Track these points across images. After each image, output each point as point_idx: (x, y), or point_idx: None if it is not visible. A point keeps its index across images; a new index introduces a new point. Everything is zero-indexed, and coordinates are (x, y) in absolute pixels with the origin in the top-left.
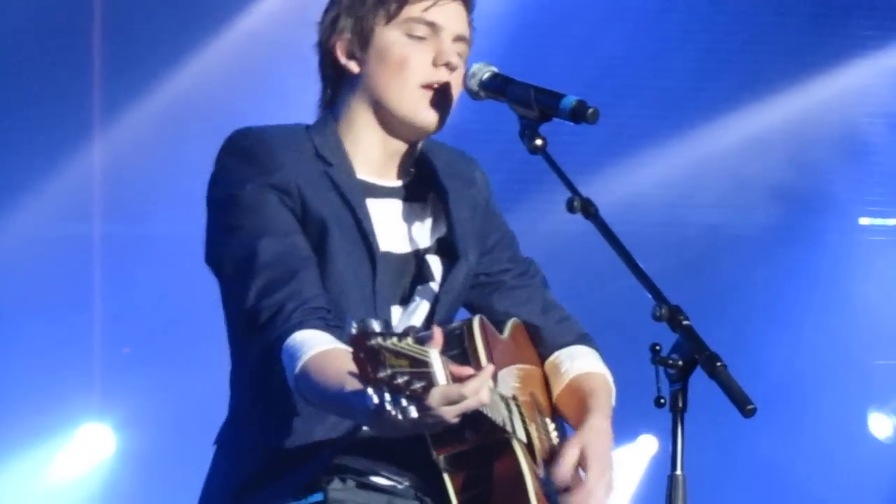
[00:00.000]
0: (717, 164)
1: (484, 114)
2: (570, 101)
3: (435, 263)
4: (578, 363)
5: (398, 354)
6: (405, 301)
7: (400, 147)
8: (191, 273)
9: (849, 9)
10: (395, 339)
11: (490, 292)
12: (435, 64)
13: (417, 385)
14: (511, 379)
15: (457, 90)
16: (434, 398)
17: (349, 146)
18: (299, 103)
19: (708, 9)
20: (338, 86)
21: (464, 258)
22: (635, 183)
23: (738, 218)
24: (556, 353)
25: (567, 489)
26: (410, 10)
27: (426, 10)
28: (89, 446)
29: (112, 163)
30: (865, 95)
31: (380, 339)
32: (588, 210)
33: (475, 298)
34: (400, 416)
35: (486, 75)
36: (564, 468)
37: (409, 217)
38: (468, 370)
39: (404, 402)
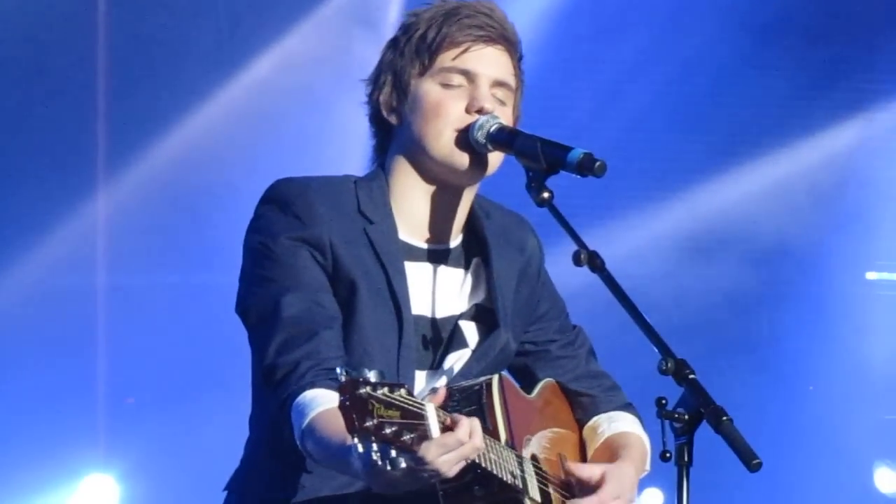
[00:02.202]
0: (724, 217)
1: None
2: (576, 154)
3: (469, 330)
4: (616, 425)
5: (389, 405)
6: (436, 366)
7: (446, 202)
8: (195, 322)
9: (859, 63)
10: (386, 390)
11: (534, 360)
12: (468, 111)
13: (408, 436)
14: (537, 440)
15: None
16: (429, 450)
17: (395, 203)
18: (308, 152)
19: (715, 69)
20: (385, 140)
21: (503, 327)
22: (640, 237)
23: (745, 272)
24: (597, 418)
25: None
26: (443, 60)
27: (457, 57)
28: (93, 497)
29: (115, 214)
30: (875, 149)
31: (369, 389)
32: (594, 263)
33: (519, 366)
34: (389, 468)
35: (494, 127)
36: (580, 474)
37: (448, 281)
38: (459, 419)
39: (393, 454)
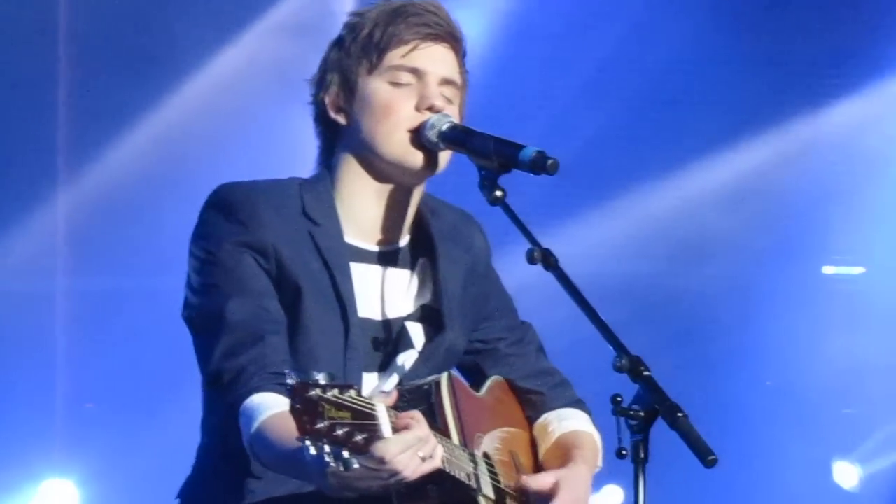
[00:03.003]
0: (681, 215)
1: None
2: (529, 152)
3: (416, 331)
4: (566, 423)
5: (340, 406)
6: (384, 368)
7: (394, 201)
8: (154, 327)
9: (812, 62)
10: (336, 391)
11: (483, 359)
12: (418, 109)
13: (359, 437)
14: (489, 438)
15: None
16: (387, 449)
17: (341, 204)
18: (270, 154)
19: (668, 66)
20: (331, 141)
21: (449, 328)
22: (596, 234)
23: (701, 268)
24: (546, 415)
25: None
26: (391, 58)
27: (406, 55)
28: (52, 502)
29: (75, 218)
30: (828, 145)
31: (319, 391)
32: (548, 261)
33: (468, 365)
34: (342, 469)
35: (446, 126)
36: (534, 485)
37: (395, 283)
38: (408, 420)
39: (346, 455)
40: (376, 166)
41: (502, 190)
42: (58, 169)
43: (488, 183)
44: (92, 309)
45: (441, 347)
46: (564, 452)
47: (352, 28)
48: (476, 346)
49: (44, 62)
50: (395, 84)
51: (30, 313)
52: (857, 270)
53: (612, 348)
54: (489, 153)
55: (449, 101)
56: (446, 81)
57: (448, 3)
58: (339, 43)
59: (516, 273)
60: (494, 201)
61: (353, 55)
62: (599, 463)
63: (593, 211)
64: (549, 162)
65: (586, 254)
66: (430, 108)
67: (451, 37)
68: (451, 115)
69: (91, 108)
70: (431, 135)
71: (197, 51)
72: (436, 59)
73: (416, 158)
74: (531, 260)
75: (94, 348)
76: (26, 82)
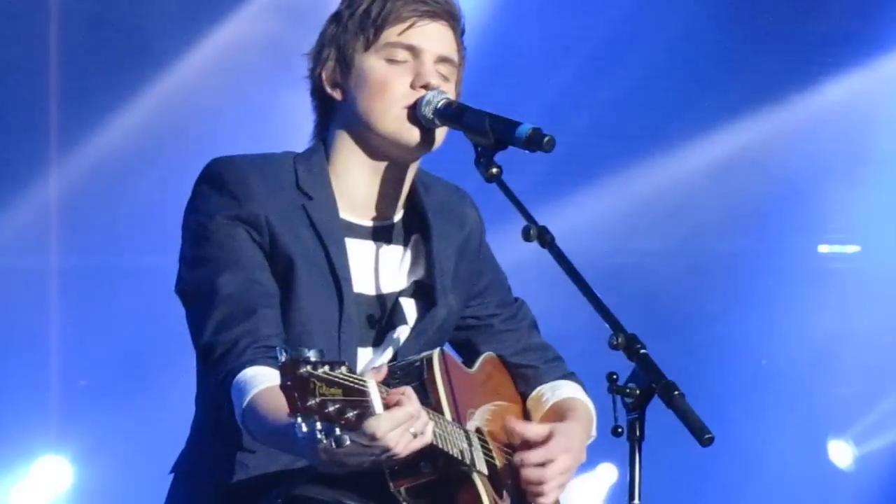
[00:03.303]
0: (676, 191)
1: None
2: (525, 129)
3: (409, 306)
4: (559, 392)
5: (331, 383)
6: (377, 343)
7: (388, 177)
8: (148, 304)
9: (805, 41)
10: (327, 368)
11: (476, 335)
12: (413, 86)
13: (351, 413)
14: (480, 413)
15: None
16: (379, 426)
17: (336, 178)
18: (261, 133)
19: (664, 41)
20: (326, 115)
21: (441, 304)
22: (590, 211)
23: (695, 245)
24: (539, 388)
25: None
26: (388, 35)
27: (403, 33)
28: (46, 479)
29: (68, 194)
30: (823, 123)
31: (309, 368)
32: (544, 238)
33: (461, 341)
34: (334, 446)
35: (441, 102)
36: (526, 433)
37: (388, 258)
38: (399, 396)
39: (338, 432)
40: (371, 142)
41: (498, 167)
42: (50, 146)
43: (484, 160)
44: (85, 286)
45: (433, 323)
46: (558, 416)
47: (350, 3)
48: (469, 322)
49: (35, 41)
50: (391, 61)
51: (23, 291)
52: (853, 249)
53: (607, 326)
54: (485, 130)
55: (445, 78)
56: (443, 59)
57: None
58: (336, 18)
59: (510, 250)
60: (490, 178)
61: (350, 31)
62: (594, 432)
63: (586, 189)
64: (546, 139)
65: (579, 231)
66: (426, 87)
67: (448, 14)
68: (448, 92)
69: (83, 86)
70: (427, 111)
71: (189, 29)
72: (433, 37)
73: (411, 135)
74: (527, 237)
75: (88, 325)
76: (17, 60)
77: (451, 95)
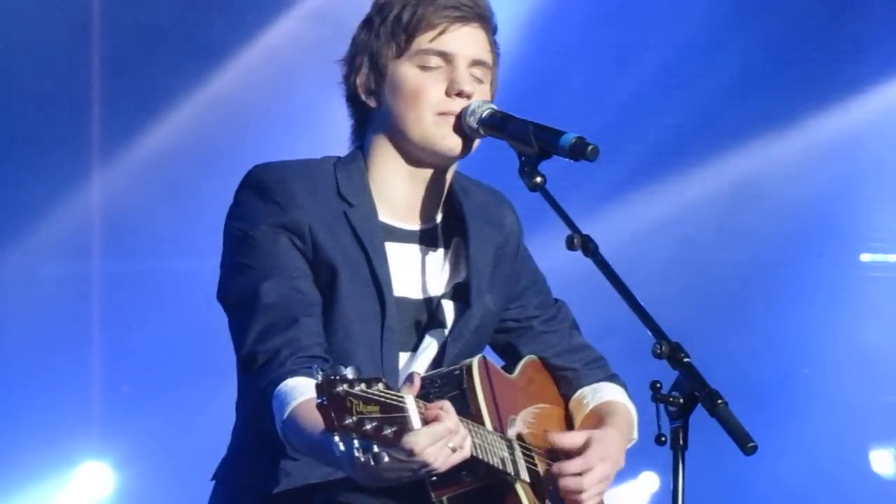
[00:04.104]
0: (718, 200)
1: (483, 150)
2: (569, 138)
3: (449, 309)
4: (600, 394)
5: (367, 401)
6: (416, 348)
7: (426, 182)
8: (190, 310)
9: (845, 48)
10: (363, 386)
11: (517, 337)
12: (448, 94)
13: (388, 430)
14: (522, 418)
15: None
16: (417, 441)
17: (374, 184)
18: (301, 139)
19: (706, 53)
20: (363, 121)
21: (476, 304)
22: (633, 221)
23: (739, 255)
24: (581, 390)
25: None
26: (420, 42)
27: (434, 39)
28: (89, 485)
29: (111, 199)
30: (866, 130)
31: (346, 386)
32: (588, 247)
33: (503, 343)
34: (372, 463)
35: (486, 112)
36: (564, 443)
37: (429, 262)
38: (437, 411)
39: (376, 448)
40: (407, 149)
41: (542, 176)
42: (93, 150)
43: (528, 169)
44: (128, 291)
45: (469, 325)
46: (598, 420)
47: (380, 8)
48: (509, 325)
49: (80, 43)
50: (425, 68)
51: (66, 295)
52: (895, 258)
53: (651, 334)
54: (528, 139)
55: (479, 80)
56: (476, 62)
57: None
58: (367, 24)
59: (552, 258)
60: (534, 187)
61: (382, 38)
62: (635, 435)
63: (632, 196)
64: (589, 148)
65: (622, 239)
66: (460, 94)
67: (480, 17)
68: (480, 94)
69: (127, 90)
70: (472, 121)
71: (234, 33)
72: (465, 42)
73: (446, 142)
74: (571, 246)
75: (131, 331)
76: (62, 64)
77: (485, 95)
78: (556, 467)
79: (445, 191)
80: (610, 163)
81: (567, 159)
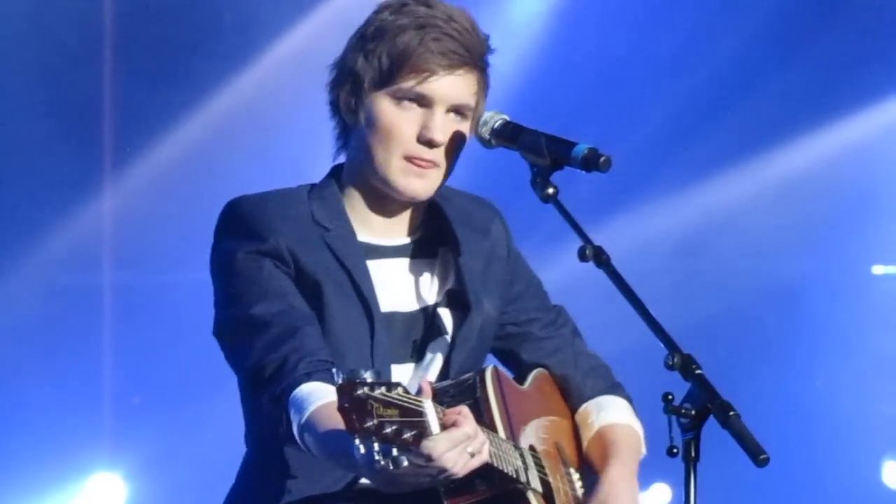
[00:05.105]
0: (729, 212)
1: (494, 161)
2: (581, 149)
3: (447, 316)
4: (605, 414)
5: (388, 404)
6: (419, 358)
7: (402, 203)
8: (202, 322)
9: (861, 57)
10: (384, 389)
11: (518, 343)
12: (419, 139)
13: (408, 434)
14: (533, 430)
15: (449, 160)
16: (436, 446)
17: (351, 208)
18: (310, 154)
19: (720, 59)
20: (344, 134)
21: (476, 308)
22: (647, 231)
23: (749, 267)
24: (586, 405)
25: None
26: (403, 80)
27: (417, 83)
28: (100, 496)
29: (123, 211)
30: (878, 142)
31: (367, 389)
32: (600, 258)
33: (503, 349)
34: (391, 467)
35: (498, 123)
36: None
37: (417, 273)
38: (455, 416)
39: (395, 452)
40: (373, 182)
41: (554, 187)
42: (104, 162)
43: (540, 180)
44: (139, 303)
45: (473, 329)
46: (604, 448)
47: (375, 30)
48: (509, 330)
49: (90, 56)
50: (402, 106)
51: (77, 307)
52: None
53: (663, 346)
54: (541, 150)
55: (459, 120)
56: (456, 108)
57: None
58: (360, 40)
59: (564, 270)
60: (547, 199)
61: (368, 62)
62: (643, 450)
63: (641, 207)
64: (602, 159)
65: (634, 250)
66: (429, 143)
67: (470, 64)
68: (455, 134)
69: (138, 101)
70: (484, 132)
71: (244, 45)
72: (447, 89)
73: (409, 189)
74: (583, 257)
75: (142, 342)
76: (73, 75)
77: (465, 134)
78: None
79: (424, 205)
80: (621, 174)
81: (580, 170)
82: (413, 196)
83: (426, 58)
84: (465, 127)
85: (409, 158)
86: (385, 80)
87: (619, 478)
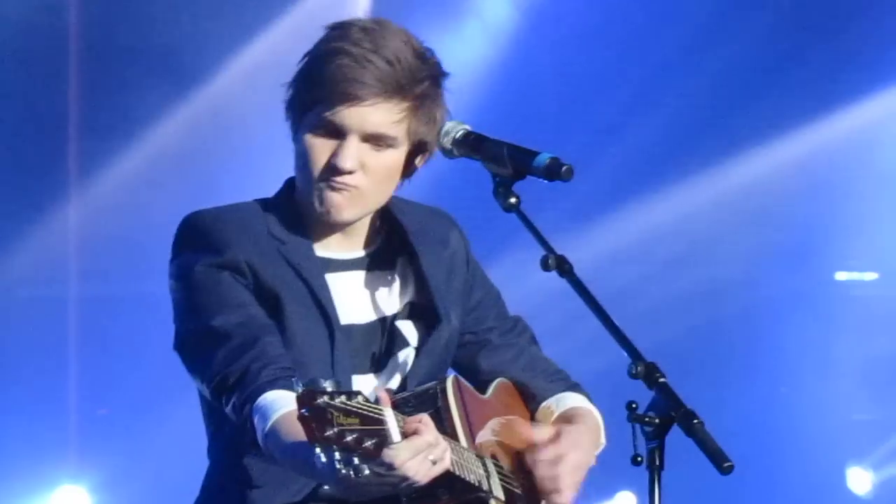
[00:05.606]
0: (694, 219)
1: (457, 171)
2: (543, 158)
3: (407, 328)
4: (565, 402)
5: (348, 413)
6: (379, 369)
7: None
8: (167, 333)
9: (822, 64)
10: (344, 398)
11: (476, 351)
12: (330, 166)
13: (369, 443)
14: (496, 438)
15: (373, 185)
16: (397, 455)
17: (306, 220)
18: (276, 163)
19: (684, 69)
20: None
21: (445, 320)
22: (609, 241)
23: (713, 274)
24: (546, 402)
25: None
26: (319, 108)
27: (330, 113)
28: None
29: (87, 224)
30: (841, 149)
31: (327, 398)
32: (563, 268)
33: (461, 358)
34: (353, 475)
35: (460, 133)
36: (534, 436)
37: (375, 285)
38: (416, 424)
39: (356, 461)
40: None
41: (517, 196)
42: (69, 174)
43: (503, 190)
44: (104, 315)
45: (440, 341)
46: (565, 423)
47: (307, 56)
48: (467, 339)
49: (55, 68)
50: (317, 134)
51: (42, 319)
52: (871, 276)
53: (626, 355)
54: (503, 160)
55: (379, 149)
56: (372, 137)
57: None
58: (302, 61)
59: (525, 279)
60: (509, 208)
61: (298, 87)
62: (602, 440)
63: (601, 216)
64: (564, 168)
65: (593, 258)
66: (339, 171)
67: (389, 92)
68: (376, 164)
69: (102, 114)
70: (446, 142)
71: (208, 54)
72: (355, 119)
73: (331, 214)
74: (546, 267)
75: (107, 354)
76: (38, 88)
77: (392, 161)
78: (529, 458)
79: (378, 218)
80: (584, 182)
81: (542, 179)
82: (336, 219)
83: (341, 87)
84: (387, 156)
85: (326, 181)
86: (307, 106)
87: (577, 428)
